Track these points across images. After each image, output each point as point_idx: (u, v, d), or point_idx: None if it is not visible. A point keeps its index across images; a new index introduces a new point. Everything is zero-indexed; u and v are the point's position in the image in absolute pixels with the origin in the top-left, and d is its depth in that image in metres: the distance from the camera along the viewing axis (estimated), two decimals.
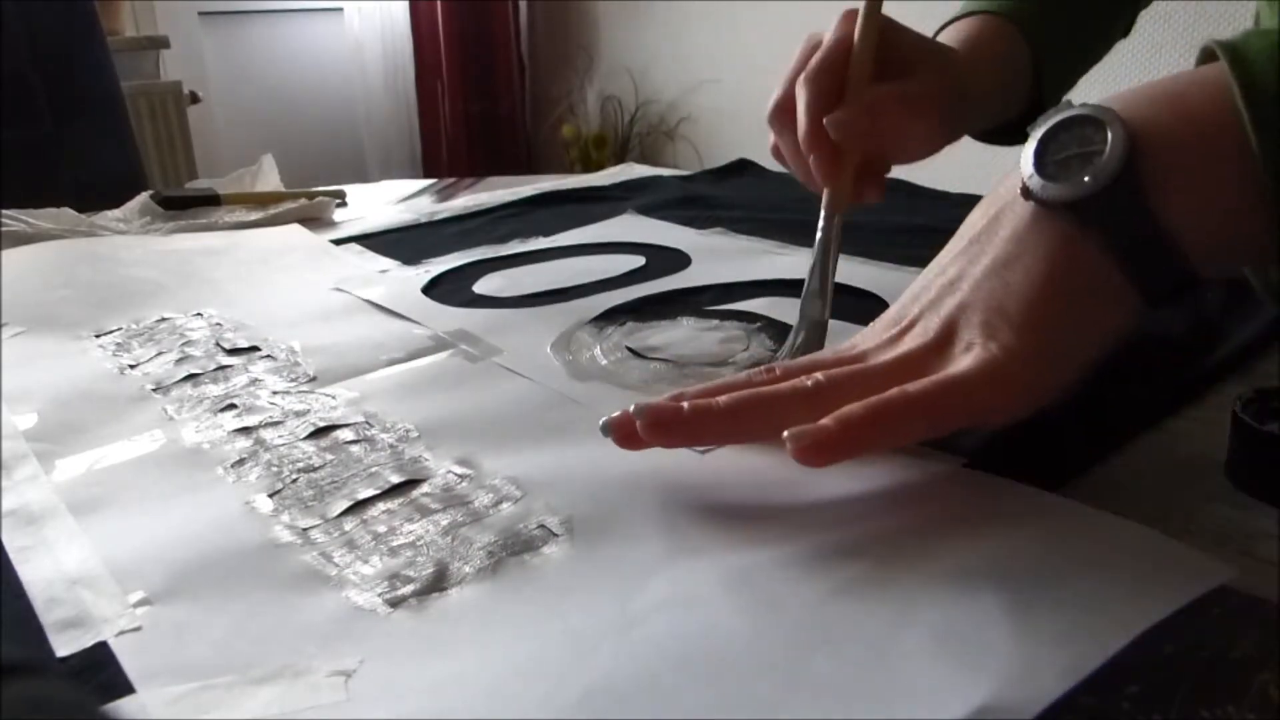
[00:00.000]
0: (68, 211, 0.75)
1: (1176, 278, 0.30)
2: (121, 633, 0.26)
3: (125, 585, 0.28)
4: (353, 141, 2.84)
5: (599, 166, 1.73)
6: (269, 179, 0.87)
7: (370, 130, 2.84)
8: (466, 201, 0.82)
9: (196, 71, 2.44)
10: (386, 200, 0.86)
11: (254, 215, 0.76)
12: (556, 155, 2.94)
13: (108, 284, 0.60)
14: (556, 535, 0.29)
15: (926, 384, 0.30)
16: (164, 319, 0.53)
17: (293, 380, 0.43)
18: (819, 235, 0.44)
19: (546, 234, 0.67)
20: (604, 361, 0.44)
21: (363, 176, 2.68)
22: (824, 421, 0.29)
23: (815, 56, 0.46)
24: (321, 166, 2.52)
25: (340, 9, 2.74)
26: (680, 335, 0.47)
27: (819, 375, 0.32)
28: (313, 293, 0.57)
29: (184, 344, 0.48)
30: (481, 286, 0.57)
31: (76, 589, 0.28)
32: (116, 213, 0.77)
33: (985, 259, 0.32)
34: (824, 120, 0.43)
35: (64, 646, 0.26)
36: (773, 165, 0.78)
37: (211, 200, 0.79)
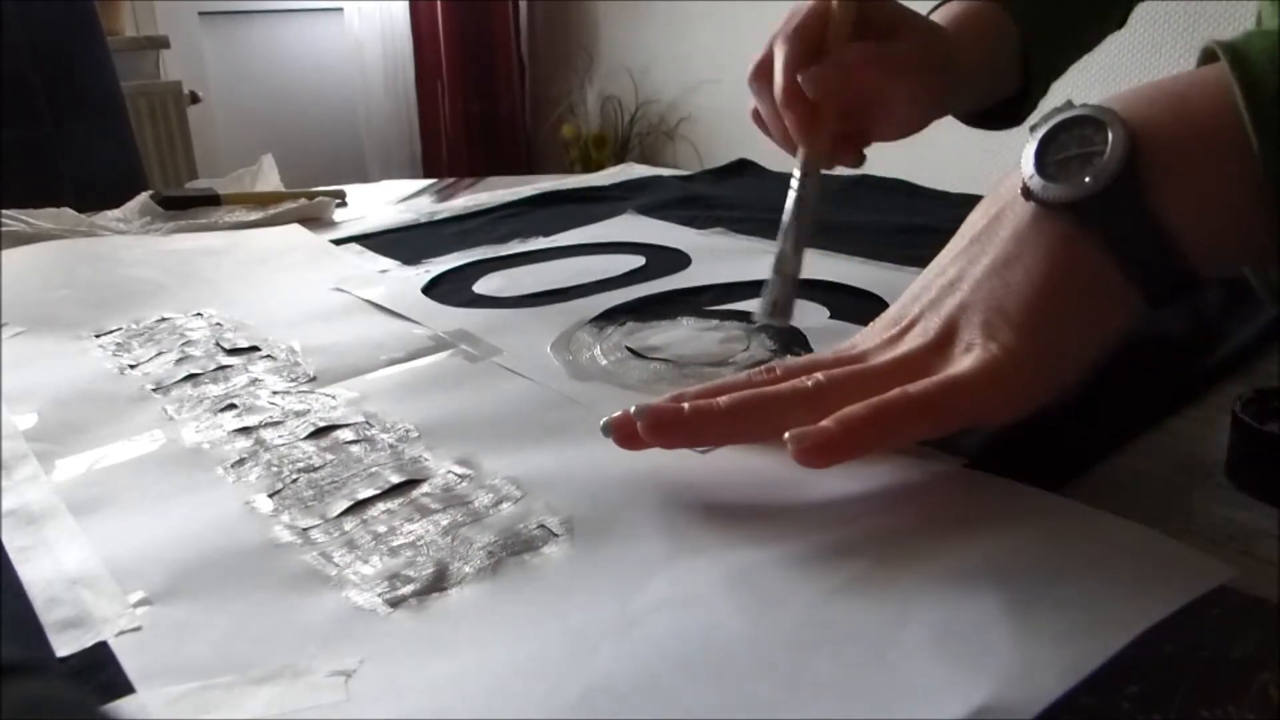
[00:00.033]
0: (68, 211, 0.75)
1: (1177, 278, 0.30)
2: (121, 633, 0.26)
3: (125, 585, 0.28)
4: (353, 141, 2.84)
5: (599, 166, 1.73)
6: (269, 179, 0.87)
7: (370, 130, 2.84)
8: (466, 201, 0.82)
9: (196, 71, 2.44)
10: (386, 200, 0.86)
11: (254, 215, 0.76)
12: (556, 155, 2.94)
13: (108, 284, 0.60)
14: (556, 535, 0.29)
15: (927, 384, 0.30)
16: (164, 319, 0.53)
17: (293, 380, 0.43)
18: (791, 194, 0.44)
19: (546, 234, 0.67)
20: (604, 361, 0.44)
21: (363, 176, 2.68)
22: (825, 423, 0.29)
23: (795, 17, 0.46)
24: (321, 166, 2.52)
25: (340, 9, 2.74)
26: (680, 335, 0.47)
27: (819, 375, 0.32)
28: (313, 293, 0.57)
29: (184, 344, 0.48)
30: (481, 286, 0.57)
31: (76, 589, 0.28)
32: (116, 213, 0.77)
33: (985, 259, 0.32)
34: (799, 76, 0.44)
35: (64, 646, 0.26)
36: (773, 165, 0.78)
37: (211, 200, 0.79)
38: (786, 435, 0.29)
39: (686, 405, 0.31)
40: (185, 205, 0.78)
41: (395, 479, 0.33)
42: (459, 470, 0.34)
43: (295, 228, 0.73)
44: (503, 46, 2.95)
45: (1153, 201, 0.30)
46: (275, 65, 2.74)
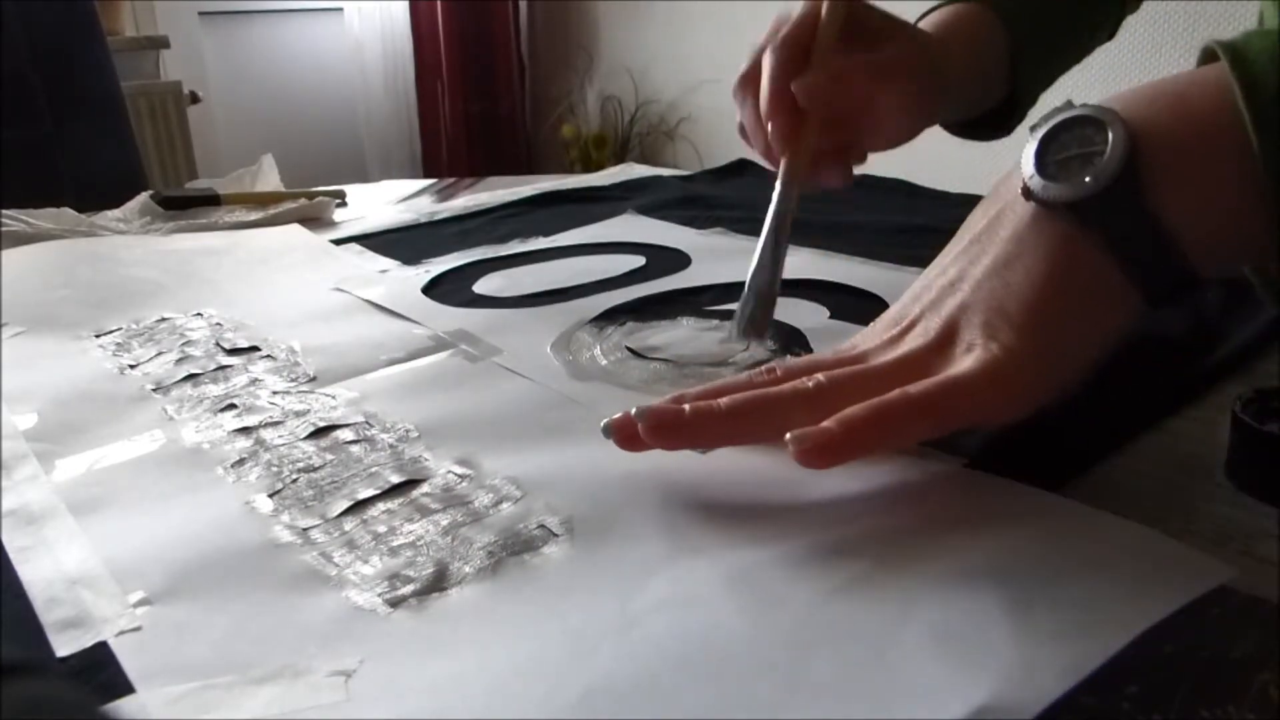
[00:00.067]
0: (68, 211, 0.75)
1: (1177, 277, 0.30)
2: (121, 633, 0.26)
3: (125, 585, 0.28)
4: (353, 141, 2.84)
5: (599, 166, 1.73)
6: (269, 179, 0.87)
7: (370, 130, 2.84)
8: (466, 201, 0.82)
9: (196, 71, 2.44)
10: (386, 200, 0.86)
11: (254, 215, 0.76)
12: (556, 155, 2.94)
13: (108, 284, 0.60)
14: (556, 535, 0.29)
15: (928, 385, 0.30)
16: (164, 319, 0.53)
17: (293, 380, 0.43)
18: (773, 206, 0.43)
19: (546, 234, 0.67)
20: (604, 361, 0.44)
21: (363, 176, 2.68)
22: (826, 423, 0.29)
23: (783, 28, 0.46)
24: (321, 166, 2.52)
25: (340, 9, 2.74)
26: (680, 335, 0.47)
27: (820, 376, 0.32)
28: (313, 293, 0.57)
29: (184, 344, 0.48)
30: (481, 286, 0.57)
31: (76, 589, 0.28)
32: (116, 213, 0.77)
33: (986, 259, 0.32)
34: (791, 84, 0.43)
35: (64, 646, 0.26)
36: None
37: (211, 200, 0.79)
38: (788, 436, 0.29)
39: (687, 406, 0.31)
40: (185, 205, 0.78)
41: (395, 479, 0.33)
42: (459, 470, 0.34)
43: (295, 228, 0.74)
44: (503, 46, 2.95)
45: (1153, 201, 0.30)
46: (275, 65, 2.74)
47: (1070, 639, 0.23)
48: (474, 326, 0.49)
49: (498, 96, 2.97)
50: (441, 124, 2.90)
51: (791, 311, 0.48)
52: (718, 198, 0.77)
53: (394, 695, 0.23)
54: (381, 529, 0.31)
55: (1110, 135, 0.30)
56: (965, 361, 0.31)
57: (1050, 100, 0.35)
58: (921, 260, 0.36)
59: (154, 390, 0.43)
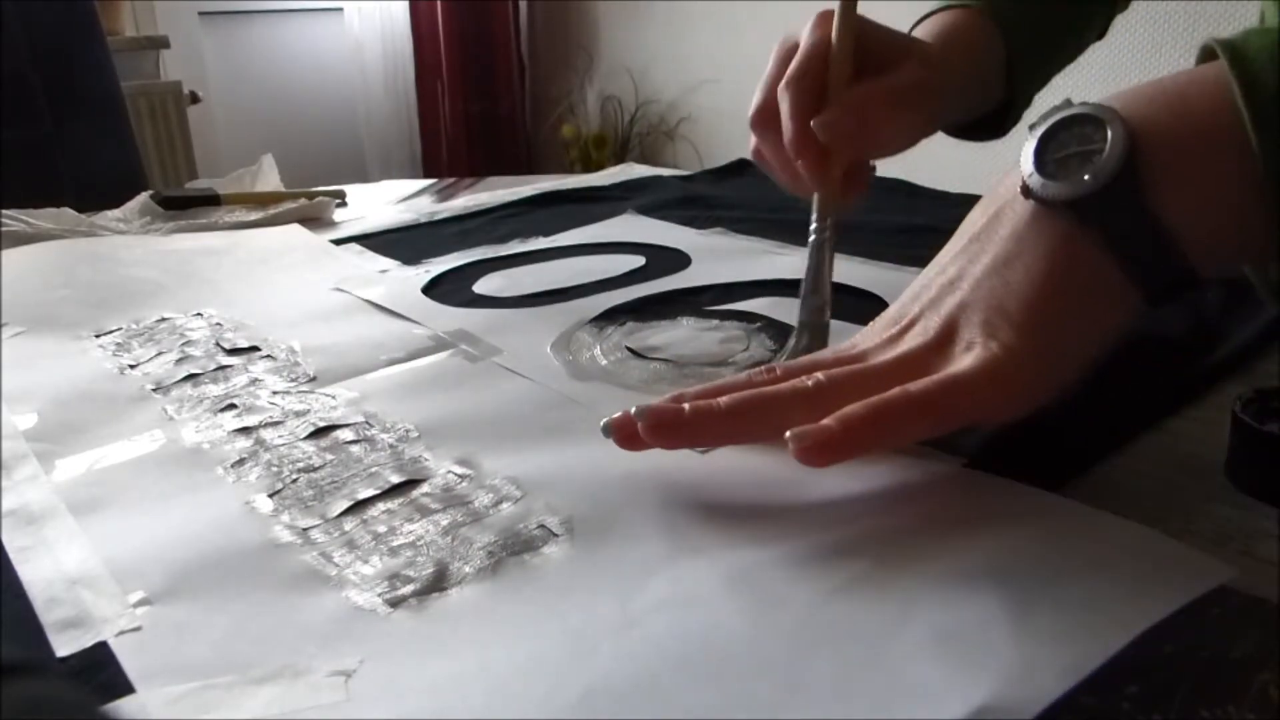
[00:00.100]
0: (68, 211, 0.75)
1: (1176, 276, 0.30)
2: (121, 633, 0.26)
3: (125, 585, 0.28)
4: (353, 141, 2.84)
5: (599, 166, 1.73)
6: (269, 179, 0.87)
7: (370, 130, 2.84)
8: (466, 201, 0.82)
9: (196, 71, 2.44)
10: (386, 200, 0.86)
11: (254, 215, 0.76)
12: (556, 155, 2.94)
13: (108, 284, 0.60)
14: (556, 535, 0.29)
15: (928, 383, 0.30)
16: (164, 319, 0.53)
17: (293, 380, 0.43)
18: (812, 239, 0.43)
19: (546, 234, 0.67)
20: (604, 361, 0.44)
21: (363, 176, 2.68)
22: (826, 421, 0.29)
23: (794, 61, 0.45)
24: (321, 166, 2.52)
25: (340, 9, 2.74)
26: (680, 335, 0.47)
27: (819, 375, 0.32)
28: (313, 293, 0.57)
29: (184, 344, 0.48)
30: (481, 286, 0.57)
31: (76, 589, 0.28)
32: (116, 213, 0.77)
33: (985, 258, 0.32)
34: (811, 124, 0.43)
35: (64, 646, 0.26)
36: None
37: (211, 200, 0.79)
38: (787, 434, 0.29)
39: (687, 406, 0.31)
40: (185, 205, 0.78)
41: (395, 479, 0.33)
42: (459, 470, 0.34)
43: (295, 228, 0.74)
44: (503, 46, 2.95)
45: (1152, 200, 0.30)
46: (275, 65, 2.75)
47: (1070, 639, 0.23)
48: (474, 326, 0.49)
49: (498, 96, 2.97)
50: (441, 124, 2.90)
51: (792, 311, 0.48)
52: (718, 198, 0.77)
53: (394, 695, 0.23)
54: (381, 529, 0.31)
55: (1109, 133, 0.30)
56: (965, 360, 0.31)
57: (1049, 100, 0.35)
58: (921, 260, 0.37)
59: (154, 390, 0.43)
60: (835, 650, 0.23)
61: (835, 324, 0.42)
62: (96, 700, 0.23)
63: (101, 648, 0.25)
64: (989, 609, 0.24)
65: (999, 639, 0.23)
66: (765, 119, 0.47)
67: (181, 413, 0.41)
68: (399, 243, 0.69)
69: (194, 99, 2.19)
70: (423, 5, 2.83)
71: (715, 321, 0.48)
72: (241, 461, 0.36)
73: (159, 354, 0.47)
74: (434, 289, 0.56)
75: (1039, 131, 0.32)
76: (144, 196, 0.78)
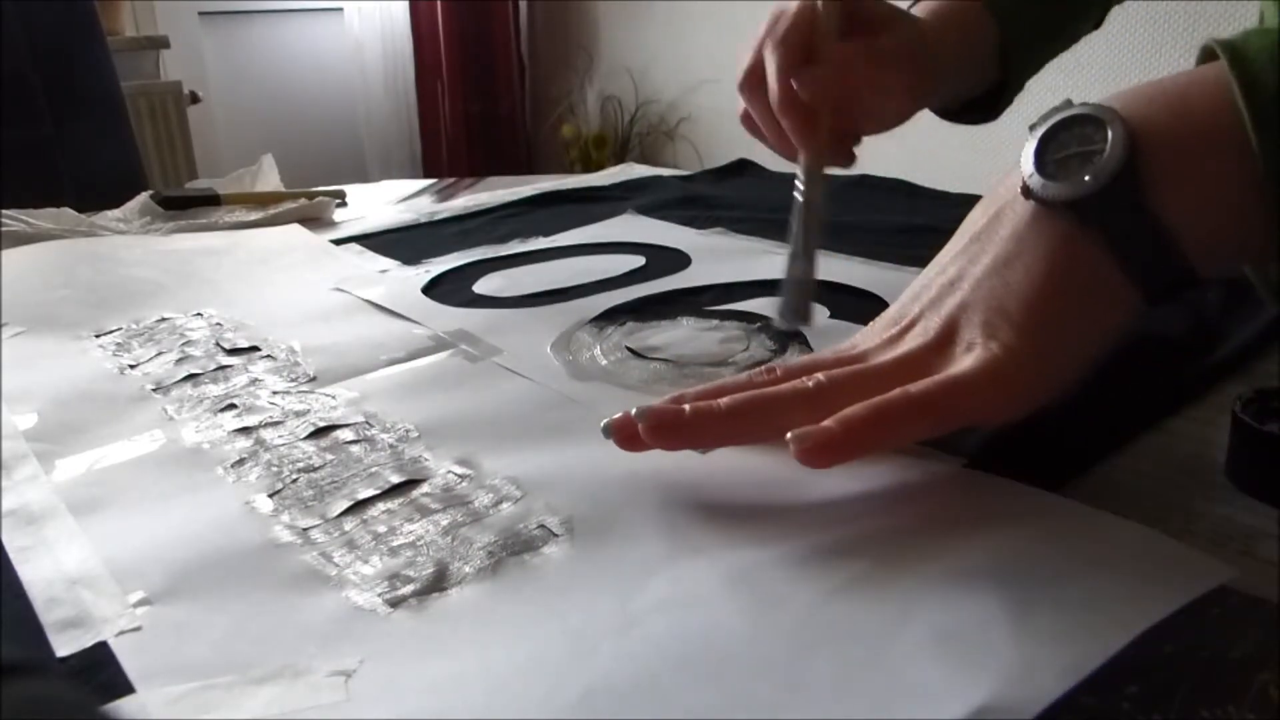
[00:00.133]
0: (68, 211, 0.75)
1: (1176, 276, 0.30)
2: (121, 633, 0.26)
3: (125, 585, 0.28)
4: (353, 141, 2.84)
5: (599, 166, 1.73)
6: (269, 179, 0.87)
7: (370, 130, 2.84)
8: (466, 201, 0.82)
9: (196, 71, 2.44)
10: (386, 200, 0.86)
11: (254, 215, 0.76)
12: (556, 155, 2.94)
13: (108, 284, 0.60)
14: (556, 535, 0.29)
15: (928, 384, 0.30)
16: (164, 319, 0.53)
17: (293, 380, 0.43)
18: (798, 197, 0.44)
19: (546, 234, 0.67)
20: (604, 361, 0.44)
21: (363, 176, 2.68)
22: (826, 422, 0.29)
23: (782, 21, 0.46)
24: (321, 166, 2.52)
25: (340, 9, 2.74)
26: (680, 335, 0.47)
27: (820, 376, 0.32)
28: (313, 293, 0.57)
29: (184, 344, 0.48)
30: (481, 286, 0.57)
31: (76, 589, 0.28)
32: (116, 213, 0.77)
33: (985, 258, 0.32)
34: (792, 80, 0.44)
35: (64, 646, 0.26)
36: (773, 165, 0.78)
37: (211, 200, 0.79)
38: (788, 435, 0.29)
39: (687, 406, 0.31)
40: (185, 205, 0.78)
41: (395, 479, 0.33)
42: (459, 470, 0.34)
43: (295, 228, 0.74)
44: (503, 46, 2.95)
45: (1152, 200, 0.30)
46: (275, 65, 2.74)
47: (1070, 639, 0.23)
48: (474, 326, 0.49)
49: (498, 96, 2.97)
50: (441, 124, 2.90)
51: None
52: (718, 198, 0.77)
53: (394, 695, 0.23)
54: (381, 529, 0.31)
55: (1109, 134, 0.30)
56: (965, 360, 0.31)
57: (1049, 101, 0.35)
58: (921, 260, 0.37)
59: (154, 390, 0.43)
60: (835, 650, 0.23)
61: (835, 324, 0.42)
62: (96, 700, 0.23)
63: (101, 648, 0.25)
64: (989, 609, 0.24)
65: (999, 639, 0.23)
66: (753, 81, 0.48)
67: (181, 413, 0.41)
68: (399, 243, 0.69)
69: (194, 99, 2.19)
70: (423, 5, 2.82)
71: (715, 321, 0.48)
72: (241, 461, 0.36)
73: (159, 354, 0.47)
74: (434, 289, 0.56)
75: (1039, 132, 0.32)
76: (144, 196, 0.78)
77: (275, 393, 0.42)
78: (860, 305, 0.48)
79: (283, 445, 0.37)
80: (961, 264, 0.33)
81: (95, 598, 0.27)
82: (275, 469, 0.35)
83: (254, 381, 0.43)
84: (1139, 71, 1.71)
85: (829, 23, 0.46)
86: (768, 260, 0.59)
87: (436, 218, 0.76)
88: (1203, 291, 0.45)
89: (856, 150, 0.50)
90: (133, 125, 1.27)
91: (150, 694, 0.23)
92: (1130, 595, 0.24)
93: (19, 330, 0.52)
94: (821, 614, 0.25)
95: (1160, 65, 1.69)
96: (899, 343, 0.33)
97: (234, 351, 0.47)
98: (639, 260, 0.60)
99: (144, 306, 0.55)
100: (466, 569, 0.28)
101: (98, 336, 0.51)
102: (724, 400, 0.31)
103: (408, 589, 0.27)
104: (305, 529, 0.31)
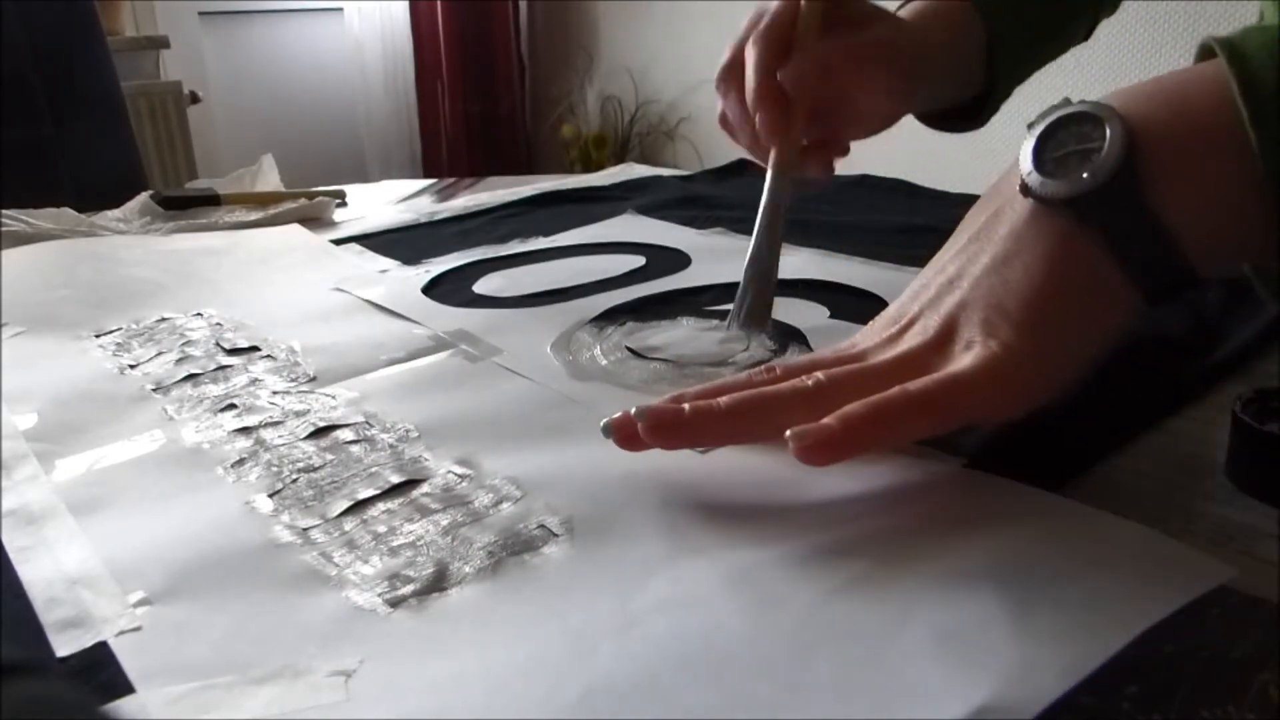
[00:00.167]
0: (68, 211, 0.75)
1: (1175, 275, 0.30)
2: (121, 633, 0.26)
3: (125, 585, 0.28)
4: (353, 141, 2.84)
5: (599, 166, 1.73)
6: (269, 179, 0.87)
7: (370, 130, 2.84)
8: (466, 201, 0.82)
9: (196, 71, 2.44)
10: (386, 200, 0.86)
11: (254, 215, 0.76)
12: (556, 155, 2.94)
13: (108, 284, 0.60)
14: (556, 535, 0.29)
15: (927, 382, 0.30)
16: (164, 319, 0.53)
17: (293, 380, 0.43)
18: (765, 197, 0.43)
19: (546, 234, 0.67)
20: (604, 361, 0.44)
21: (363, 176, 2.68)
22: (825, 420, 0.29)
23: (764, 19, 0.46)
24: (321, 166, 2.52)
25: (340, 9, 2.74)
26: (680, 335, 0.47)
27: (819, 375, 0.32)
28: (313, 293, 0.57)
29: (184, 344, 0.48)
30: (481, 286, 0.57)
31: (76, 589, 0.28)
32: (116, 213, 0.77)
33: (985, 256, 0.32)
34: (778, 74, 0.43)
35: (64, 646, 0.26)
36: None
37: (211, 200, 0.79)
38: (787, 433, 0.29)
39: (687, 406, 0.31)
40: (185, 205, 0.78)
41: (395, 479, 0.33)
42: (459, 470, 0.34)
43: (295, 228, 0.74)
44: (503, 46, 2.95)
45: (1151, 198, 0.30)
46: (275, 65, 2.74)
47: (1070, 639, 0.23)
48: (474, 326, 0.49)
49: (498, 96, 2.97)
50: (441, 124, 2.90)
51: (791, 311, 0.48)
52: (718, 198, 0.77)
53: (394, 695, 0.23)
54: (381, 529, 0.31)
55: (1108, 132, 0.30)
56: (964, 359, 0.31)
57: (1046, 100, 0.35)
58: (921, 260, 0.37)
59: (154, 390, 0.43)
60: (835, 650, 0.23)
61: (835, 324, 0.42)
62: (96, 700, 0.23)
63: (101, 648, 0.25)
64: (989, 609, 0.24)
65: (999, 639, 0.23)
66: (730, 77, 0.47)
67: (181, 413, 0.41)
68: (399, 243, 0.69)
69: (194, 99, 2.19)
70: (423, 5, 2.82)
71: (715, 321, 0.48)
72: (241, 461, 0.36)
73: (159, 354, 0.47)
74: (434, 289, 0.56)
75: (1038, 130, 0.32)
76: (144, 196, 0.78)
77: (275, 393, 0.42)
78: (860, 305, 0.48)
79: (283, 445, 0.37)
80: (961, 263, 0.33)
81: (95, 598, 0.27)
82: (275, 469, 0.35)
83: (254, 381, 0.43)
84: (1139, 71, 1.71)
85: (812, 20, 0.45)
86: None
87: (436, 218, 0.76)
88: (1203, 291, 0.45)
89: (849, 158, 0.50)
90: (133, 125, 1.27)
91: (150, 694, 0.23)
92: (1130, 595, 0.24)
93: (19, 330, 0.52)
94: (821, 614, 0.25)
95: (1160, 65, 1.69)
96: (898, 341, 0.33)
97: (234, 351, 0.47)
98: (639, 260, 0.60)
99: (144, 306, 0.55)
100: (466, 569, 0.28)
101: (98, 336, 0.51)
102: (724, 399, 0.31)
103: (408, 589, 0.27)
104: (305, 529, 0.31)
